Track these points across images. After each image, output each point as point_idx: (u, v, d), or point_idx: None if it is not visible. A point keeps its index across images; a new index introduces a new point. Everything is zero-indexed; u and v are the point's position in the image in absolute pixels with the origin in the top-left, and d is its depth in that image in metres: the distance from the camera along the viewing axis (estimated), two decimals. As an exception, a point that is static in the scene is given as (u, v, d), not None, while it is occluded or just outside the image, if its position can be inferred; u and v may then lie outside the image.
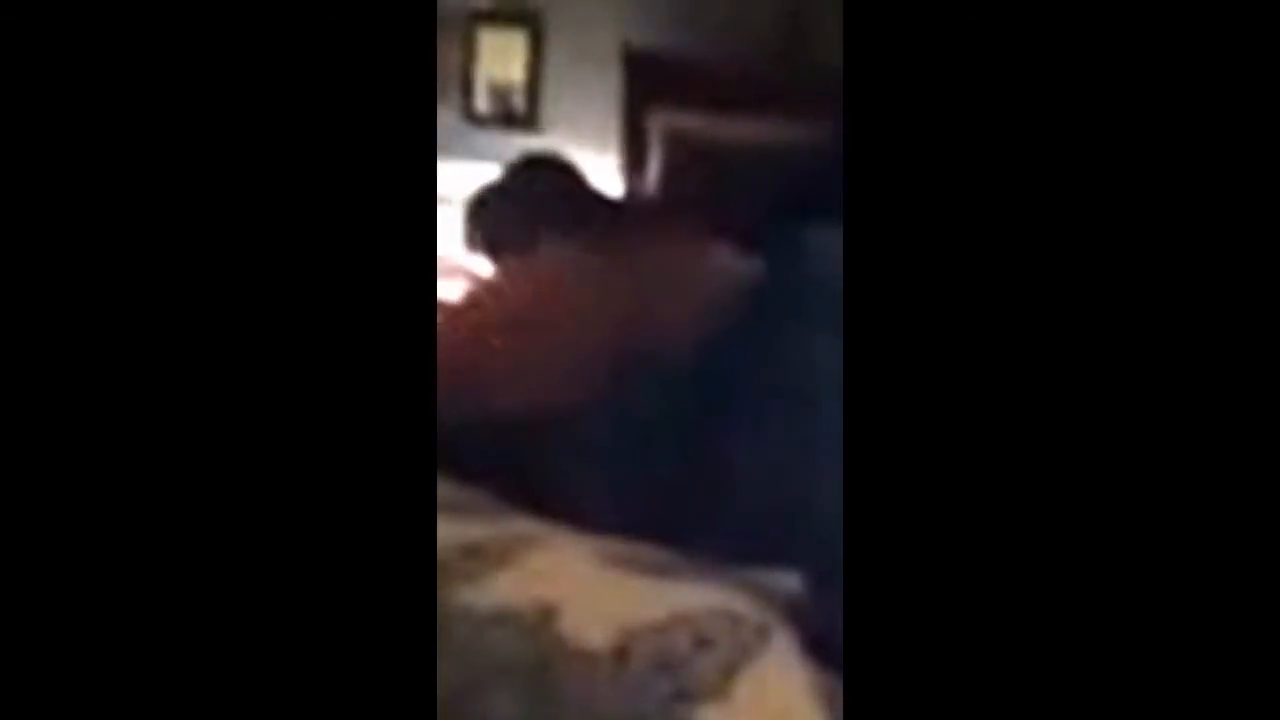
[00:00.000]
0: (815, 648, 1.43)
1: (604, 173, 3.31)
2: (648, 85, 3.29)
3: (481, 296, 2.13)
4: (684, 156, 3.00)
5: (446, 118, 3.87)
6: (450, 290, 3.34)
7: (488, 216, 2.25)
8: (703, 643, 1.45)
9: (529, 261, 2.12)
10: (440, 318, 2.20)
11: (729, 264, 1.99)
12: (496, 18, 3.76)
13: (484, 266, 3.64)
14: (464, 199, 3.81)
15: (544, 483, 1.82)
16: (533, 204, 2.23)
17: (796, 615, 1.48)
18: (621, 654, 1.42)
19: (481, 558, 1.57)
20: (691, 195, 2.73)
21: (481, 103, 3.83)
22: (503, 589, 1.52)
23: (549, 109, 3.71)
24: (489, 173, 3.61)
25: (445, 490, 1.83)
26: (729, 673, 1.40)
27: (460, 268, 3.66)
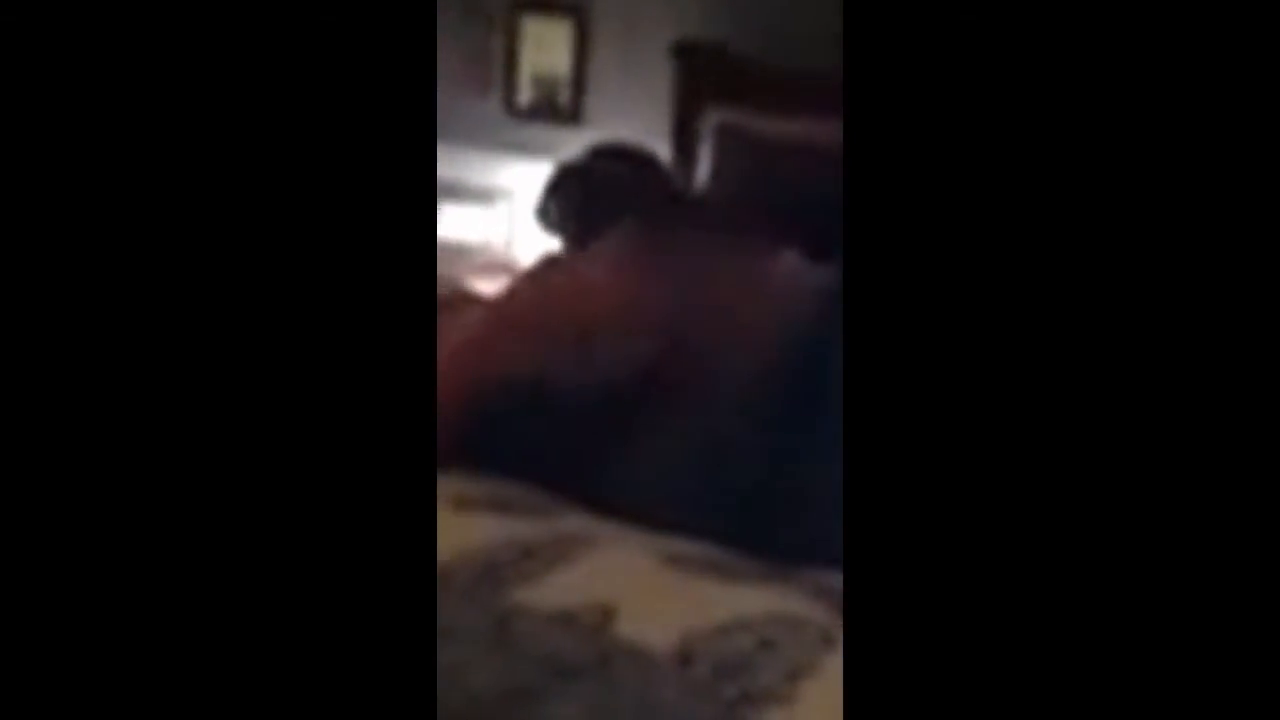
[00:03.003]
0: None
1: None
2: (699, 80, 3.26)
3: (544, 288, 2.13)
4: (736, 154, 2.98)
5: (488, 109, 3.85)
6: (492, 284, 3.33)
7: (563, 197, 2.25)
8: (766, 646, 1.43)
9: (593, 255, 2.11)
10: (494, 308, 2.19)
11: (797, 268, 1.98)
12: (541, 6, 3.74)
13: (527, 260, 3.64)
14: (507, 193, 3.81)
15: (605, 482, 1.80)
16: (609, 189, 2.22)
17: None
18: (684, 656, 1.41)
19: (539, 558, 1.58)
20: (754, 196, 2.71)
21: (525, 95, 3.81)
22: (561, 589, 1.52)
23: (595, 102, 3.69)
24: (530, 166, 3.60)
25: (501, 489, 1.83)
26: (794, 678, 1.39)
27: (503, 263, 3.64)
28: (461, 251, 3.76)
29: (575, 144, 3.36)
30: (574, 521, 1.72)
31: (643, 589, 1.54)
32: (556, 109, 3.76)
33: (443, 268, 3.50)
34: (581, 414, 1.88)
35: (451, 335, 2.02)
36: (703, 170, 3.10)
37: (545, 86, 3.79)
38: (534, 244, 3.51)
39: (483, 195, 3.78)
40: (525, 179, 3.57)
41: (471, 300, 2.47)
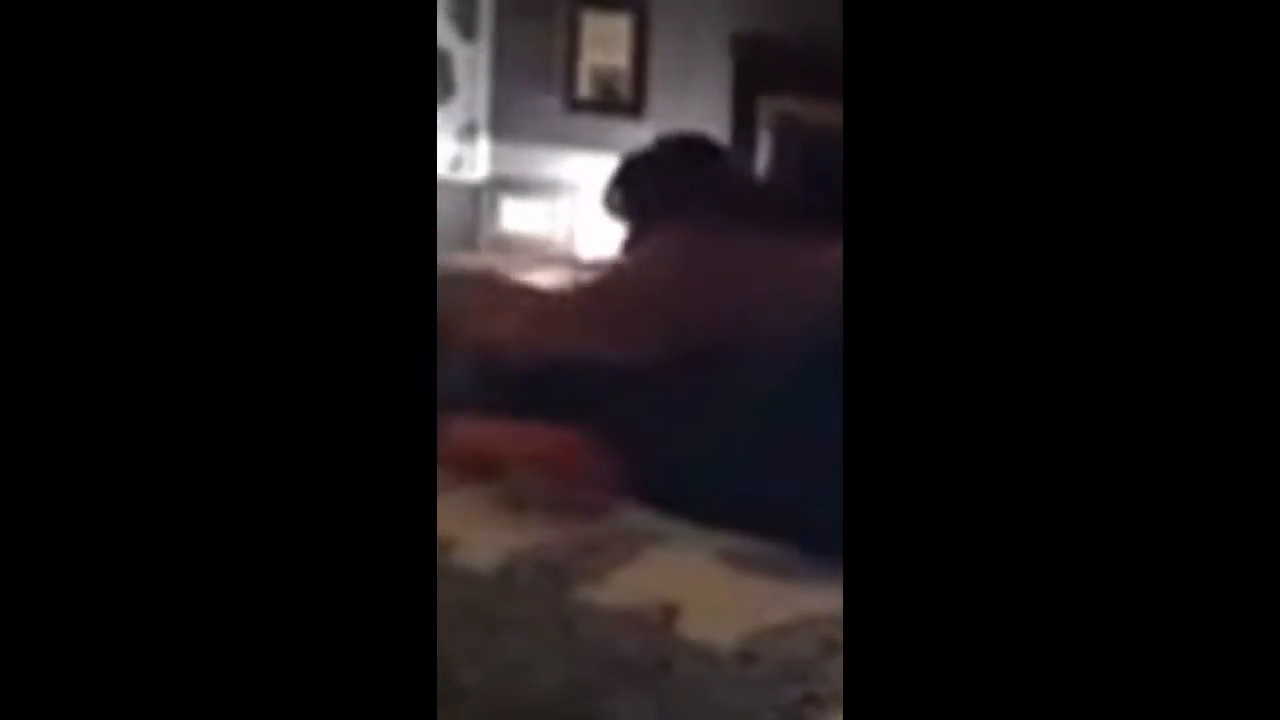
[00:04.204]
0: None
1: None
2: (758, 72, 3.26)
3: (597, 276, 2.13)
4: (795, 145, 2.97)
5: (549, 104, 3.86)
6: (552, 278, 3.33)
7: (630, 185, 2.25)
8: (831, 647, 1.41)
9: (648, 245, 2.11)
10: (554, 297, 2.20)
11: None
12: (600, 1, 3.74)
13: (588, 254, 3.64)
14: (568, 186, 3.81)
15: (655, 472, 1.79)
16: (675, 179, 2.22)
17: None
18: (747, 656, 1.40)
19: (603, 556, 1.57)
20: (813, 185, 2.70)
21: (585, 89, 3.81)
22: (625, 588, 1.51)
23: (654, 95, 3.68)
24: (591, 160, 3.60)
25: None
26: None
27: (564, 256, 3.65)
28: (522, 245, 3.77)
29: (636, 137, 3.36)
30: (633, 518, 1.72)
31: (705, 587, 1.53)
32: (616, 102, 3.76)
33: (503, 261, 3.52)
34: (629, 399, 1.89)
35: (503, 324, 2.03)
36: (762, 160, 3.09)
37: (605, 80, 3.79)
38: (595, 237, 3.51)
39: (544, 189, 3.78)
40: (586, 172, 3.57)
41: (526, 293, 2.47)
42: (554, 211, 3.79)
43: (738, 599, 1.51)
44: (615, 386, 1.87)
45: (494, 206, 3.88)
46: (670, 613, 1.46)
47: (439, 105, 3.87)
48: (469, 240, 3.84)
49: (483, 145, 3.97)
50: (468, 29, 3.93)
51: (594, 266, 3.16)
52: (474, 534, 1.60)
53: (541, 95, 3.85)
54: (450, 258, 3.69)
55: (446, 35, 3.88)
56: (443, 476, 1.73)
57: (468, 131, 3.95)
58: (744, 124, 3.28)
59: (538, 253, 3.62)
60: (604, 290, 2.07)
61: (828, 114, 2.98)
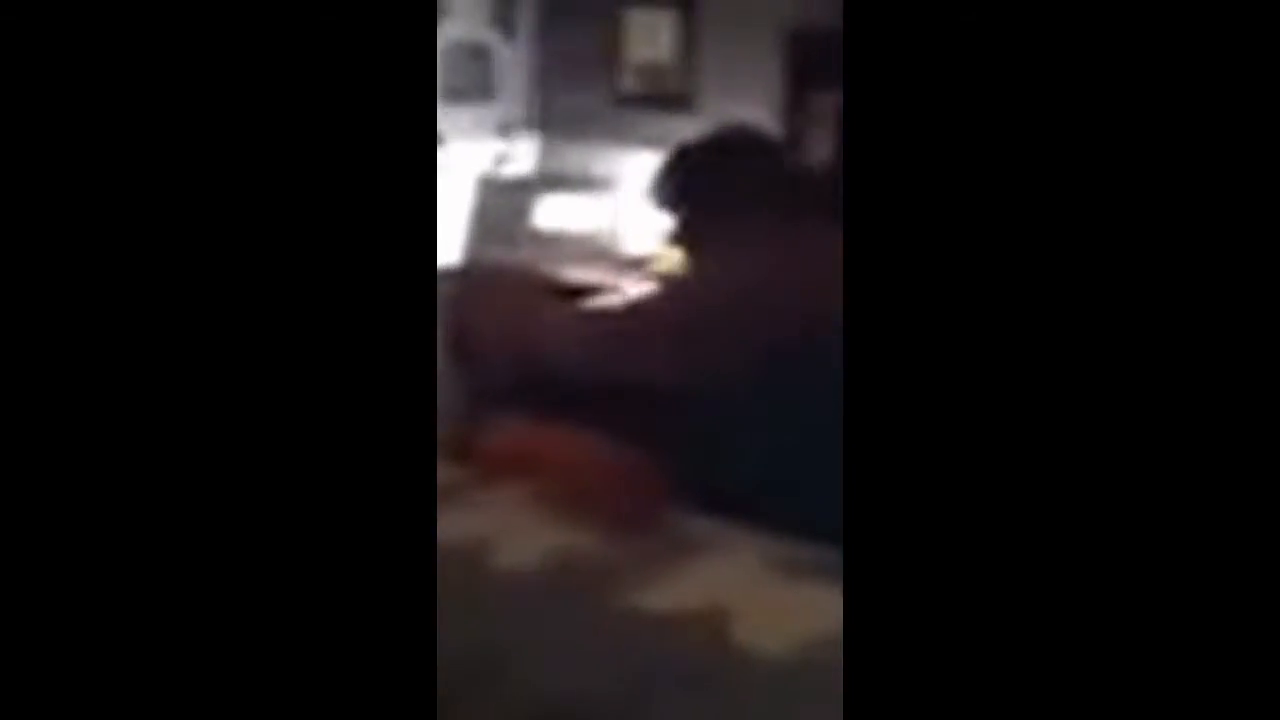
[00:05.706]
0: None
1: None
2: (809, 66, 3.27)
3: (668, 290, 2.13)
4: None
5: (594, 99, 3.87)
6: (595, 274, 3.32)
7: (679, 177, 2.25)
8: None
9: (707, 251, 2.10)
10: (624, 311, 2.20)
11: None
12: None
13: (631, 249, 3.63)
14: (613, 181, 3.81)
15: (718, 479, 1.77)
16: (726, 172, 2.22)
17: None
18: (799, 663, 1.37)
19: (652, 560, 1.55)
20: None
21: (630, 83, 3.82)
22: (674, 592, 1.49)
23: (701, 89, 3.69)
24: (635, 155, 3.60)
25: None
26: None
27: (607, 252, 3.65)
28: (566, 241, 3.77)
29: (681, 131, 3.35)
30: (690, 524, 1.70)
31: (759, 594, 1.52)
32: (663, 97, 3.76)
33: (546, 256, 3.52)
34: (705, 408, 1.87)
35: (559, 330, 2.02)
36: (815, 154, 3.10)
37: (651, 75, 3.80)
38: (640, 232, 3.50)
39: (587, 185, 3.79)
40: (630, 168, 3.57)
41: (564, 291, 2.47)
42: (597, 207, 3.80)
43: (792, 606, 1.49)
44: (691, 395, 1.87)
45: (537, 203, 3.90)
46: (723, 619, 1.44)
47: (481, 103, 3.87)
48: (511, 237, 3.86)
49: (526, 142, 3.98)
50: (510, 25, 3.95)
51: (644, 261, 3.15)
52: (518, 536, 1.59)
53: (585, 90, 3.87)
54: (494, 254, 3.70)
55: (488, 32, 3.89)
56: (487, 476, 1.77)
57: (510, 128, 3.96)
58: (796, 116, 3.29)
59: (581, 249, 3.62)
60: (685, 294, 2.06)
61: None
